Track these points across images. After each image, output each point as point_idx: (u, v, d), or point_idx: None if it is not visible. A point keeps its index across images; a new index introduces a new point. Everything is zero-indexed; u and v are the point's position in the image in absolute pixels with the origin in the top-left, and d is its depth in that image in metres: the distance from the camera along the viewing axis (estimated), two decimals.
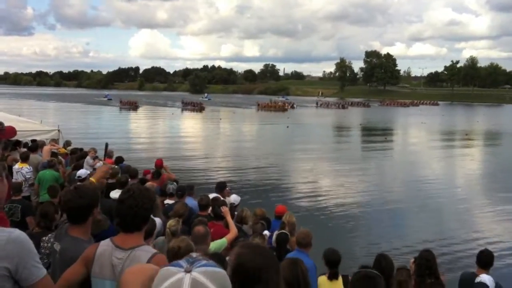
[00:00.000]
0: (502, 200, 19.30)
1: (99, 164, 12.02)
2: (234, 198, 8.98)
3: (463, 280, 6.32)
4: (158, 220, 6.22)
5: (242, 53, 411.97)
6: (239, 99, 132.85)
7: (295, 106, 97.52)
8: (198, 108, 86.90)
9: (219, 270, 1.80)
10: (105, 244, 3.18)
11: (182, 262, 1.81)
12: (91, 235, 3.73)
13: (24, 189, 9.32)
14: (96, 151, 13.55)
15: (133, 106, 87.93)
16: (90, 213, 3.55)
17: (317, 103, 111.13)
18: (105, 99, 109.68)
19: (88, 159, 12.73)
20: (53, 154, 12.05)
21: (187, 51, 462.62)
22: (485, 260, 6.25)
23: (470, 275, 6.27)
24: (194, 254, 1.90)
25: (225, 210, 7.11)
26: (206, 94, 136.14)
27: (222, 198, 8.78)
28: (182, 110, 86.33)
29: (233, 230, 6.69)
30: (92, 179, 5.14)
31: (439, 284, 5.98)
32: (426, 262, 5.99)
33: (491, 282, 5.76)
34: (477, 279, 5.82)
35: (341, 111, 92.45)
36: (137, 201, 3.09)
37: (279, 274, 2.23)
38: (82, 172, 9.52)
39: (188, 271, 1.73)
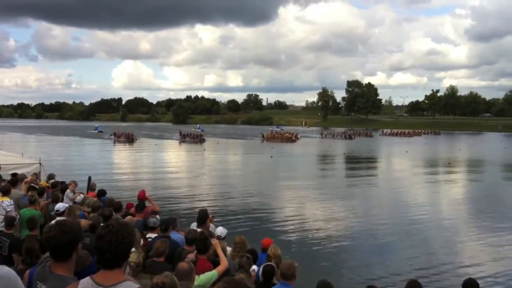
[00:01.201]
0: (486, 228, 19.45)
1: (79, 197, 11.88)
2: (220, 231, 8.88)
3: None
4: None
5: (225, 83, 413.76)
6: (237, 130, 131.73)
7: (299, 136, 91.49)
8: (198, 140, 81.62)
9: None
10: (85, 282, 3.10)
11: None
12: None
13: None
14: (76, 184, 13.40)
15: (128, 138, 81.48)
16: (75, 248, 3.47)
17: (321, 134, 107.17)
18: (95, 131, 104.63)
19: (68, 192, 12.58)
20: (32, 188, 11.86)
21: (170, 82, 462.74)
22: None
23: None
24: None
25: (215, 242, 7.04)
26: (198, 125, 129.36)
27: (206, 230, 8.70)
28: (180, 142, 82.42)
29: (224, 262, 6.63)
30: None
31: None
32: None
33: None
34: None
35: (346, 141, 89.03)
36: (116, 236, 3.02)
37: None
38: (60, 206, 9.37)
39: None
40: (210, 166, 44.69)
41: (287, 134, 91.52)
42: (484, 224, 20.28)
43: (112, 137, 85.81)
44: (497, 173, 42.30)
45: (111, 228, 3.07)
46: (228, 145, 74.54)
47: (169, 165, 45.90)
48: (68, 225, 3.51)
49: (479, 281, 6.57)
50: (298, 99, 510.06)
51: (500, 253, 16.04)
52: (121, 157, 55.70)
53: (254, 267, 6.94)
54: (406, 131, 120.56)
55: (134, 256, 6.11)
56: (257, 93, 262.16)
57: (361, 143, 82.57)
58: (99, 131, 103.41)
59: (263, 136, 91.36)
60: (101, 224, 7.54)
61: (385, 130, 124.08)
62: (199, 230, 8.64)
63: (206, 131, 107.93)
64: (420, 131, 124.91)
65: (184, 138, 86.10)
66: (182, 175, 37.55)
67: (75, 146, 68.56)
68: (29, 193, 10.85)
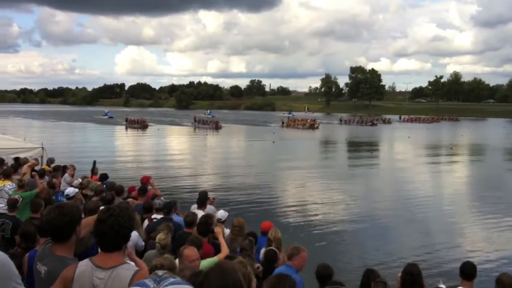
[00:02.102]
0: (485, 213, 19.48)
1: (76, 181, 11.95)
2: (221, 214, 8.93)
3: None
4: (134, 233, 6.15)
5: (229, 69, 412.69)
6: (247, 116, 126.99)
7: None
8: (214, 126, 77.42)
9: (187, 286, 1.86)
10: (84, 264, 3.13)
11: (148, 281, 1.79)
12: (75, 254, 3.69)
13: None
14: (74, 168, 13.45)
15: (141, 124, 77.24)
16: (73, 231, 3.51)
17: (340, 120, 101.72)
18: (105, 116, 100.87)
19: (66, 176, 12.65)
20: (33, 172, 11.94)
21: (173, 68, 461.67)
22: (467, 272, 6.28)
23: None
24: (160, 272, 1.87)
25: (218, 230, 7.05)
26: (209, 111, 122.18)
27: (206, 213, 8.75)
28: (195, 128, 79.51)
29: (225, 250, 6.64)
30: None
31: None
32: (411, 277, 5.99)
33: None
34: None
35: (367, 128, 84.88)
36: (118, 220, 3.06)
37: None
38: (70, 191, 9.47)
39: None
40: (225, 153, 42.91)
41: (309, 121, 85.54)
42: (483, 209, 20.32)
43: (124, 123, 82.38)
44: (498, 158, 42.27)
45: (112, 212, 3.11)
46: (246, 132, 72.09)
47: (181, 151, 44.36)
48: (67, 208, 3.55)
49: (477, 265, 6.59)
50: (301, 85, 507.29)
51: (499, 237, 16.13)
52: (133, 144, 53.73)
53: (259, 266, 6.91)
54: (425, 117, 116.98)
55: (162, 236, 6.13)
56: (260, 79, 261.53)
57: (382, 129, 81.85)
58: (109, 117, 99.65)
59: (283, 123, 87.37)
60: (101, 208, 7.61)
61: (403, 117, 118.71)
62: (200, 212, 8.70)
63: (216, 117, 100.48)
64: (438, 117, 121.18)
65: (199, 124, 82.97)
66: (192, 162, 36.45)
67: (85, 131, 67.60)
68: (18, 177, 10.87)
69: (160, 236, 6.18)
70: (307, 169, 31.75)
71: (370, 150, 46.13)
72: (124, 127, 78.22)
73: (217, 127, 76.94)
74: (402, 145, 54.41)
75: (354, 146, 52.41)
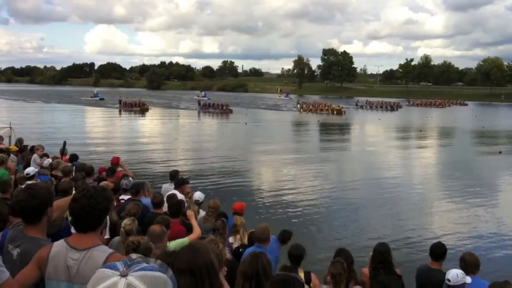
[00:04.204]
0: (455, 194, 19.96)
1: (46, 162, 11.80)
2: (198, 196, 8.93)
3: (419, 273, 6.48)
4: None
5: (201, 50, 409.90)
6: (234, 98, 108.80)
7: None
8: (223, 110, 69.04)
9: (159, 274, 1.65)
10: (59, 245, 3.10)
11: (119, 264, 1.63)
12: (47, 235, 3.65)
13: None
14: (43, 148, 13.28)
15: (140, 108, 69.09)
16: (44, 212, 3.46)
17: (356, 104, 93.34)
18: (96, 98, 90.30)
19: (36, 157, 12.48)
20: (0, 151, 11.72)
21: (144, 47, 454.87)
22: (437, 252, 6.42)
23: (425, 268, 6.46)
24: (134, 256, 1.72)
25: (189, 213, 7.06)
26: (203, 93, 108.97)
27: (179, 194, 8.75)
28: (199, 112, 70.67)
29: (196, 232, 6.65)
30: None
31: (392, 275, 6.14)
32: (380, 255, 6.16)
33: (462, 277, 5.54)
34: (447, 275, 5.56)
35: (388, 113, 78.54)
36: (91, 201, 3.02)
37: (213, 273, 2.42)
38: (30, 170, 9.33)
39: (123, 275, 1.58)
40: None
41: (333, 106, 75.46)
42: (454, 190, 20.77)
43: (118, 105, 73.23)
44: (466, 140, 43.21)
45: (86, 192, 3.07)
46: (262, 117, 62.40)
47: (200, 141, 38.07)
48: (37, 189, 3.50)
49: (447, 245, 6.74)
50: (274, 67, 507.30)
51: (467, 217, 16.56)
52: (129, 130, 45.93)
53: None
54: (435, 101, 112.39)
55: (128, 222, 6.08)
56: (233, 60, 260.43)
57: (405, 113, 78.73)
58: (100, 99, 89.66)
59: (301, 108, 78.72)
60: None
61: (411, 101, 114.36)
62: (177, 193, 8.70)
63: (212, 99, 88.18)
64: (448, 101, 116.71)
65: (204, 109, 73.34)
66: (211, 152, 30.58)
67: (75, 115, 60.70)
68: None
69: (125, 222, 6.13)
70: (281, 150, 31.91)
71: (342, 132, 46.50)
72: (117, 110, 69.73)
73: (226, 111, 68.36)
74: (373, 127, 55.03)
75: (326, 128, 52.69)
